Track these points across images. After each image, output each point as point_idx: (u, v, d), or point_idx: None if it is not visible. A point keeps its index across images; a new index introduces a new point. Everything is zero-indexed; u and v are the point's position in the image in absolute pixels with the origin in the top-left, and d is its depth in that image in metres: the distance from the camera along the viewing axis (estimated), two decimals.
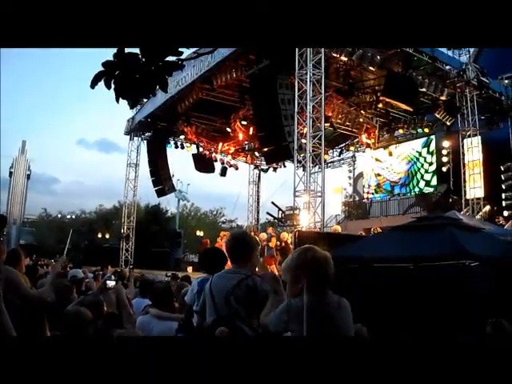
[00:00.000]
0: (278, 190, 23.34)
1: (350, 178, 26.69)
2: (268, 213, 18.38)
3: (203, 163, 24.70)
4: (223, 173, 25.92)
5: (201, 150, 24.79)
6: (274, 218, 17.00)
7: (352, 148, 25.49)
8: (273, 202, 17.16)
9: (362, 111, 20.54)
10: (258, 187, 28.44)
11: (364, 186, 25.22)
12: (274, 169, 27.10)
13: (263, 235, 15.63)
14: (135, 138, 24.31)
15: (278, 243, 14.81)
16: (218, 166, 25.37)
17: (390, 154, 22.94)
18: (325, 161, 17.18)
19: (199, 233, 31.81)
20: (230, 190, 73.24)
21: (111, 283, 4.44)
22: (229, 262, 3.31)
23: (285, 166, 26.17)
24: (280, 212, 15.97)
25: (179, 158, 26.06)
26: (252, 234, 3.94)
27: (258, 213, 28.17)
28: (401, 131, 21.95)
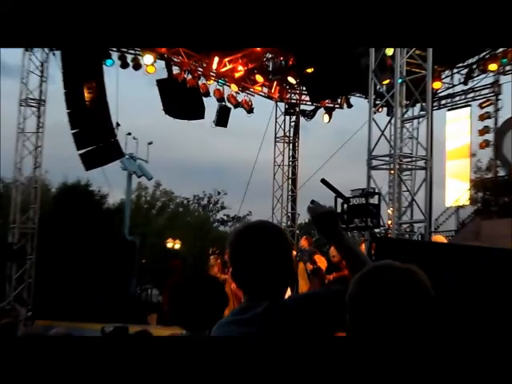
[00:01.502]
0: (335, 156, 18.21)
1: (486, 130, 17.80)
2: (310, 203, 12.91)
3: (181, 99, 15.86)
4: (222, 119, 17.62)
5: (175, 71, 15.93)
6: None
7: (493, 66, 16.29)
8: (324, 180, 10.92)
9: None
10: (293, 149, 20.19)
11: None
12: (328, 111, 18.64)
13: (304, 242, 12.62)
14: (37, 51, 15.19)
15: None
16: (210, 104, 17.04)
17: None
18: (434, 93, 14.67)
19: (173, 243, 21.27)
20: (237, 155, 53.56)
21: None
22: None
23: (349, 106, 18.40)
24: (339, 199, 10.45)
25: (131, 90, 17.41)
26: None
27: (293, 202, 19.63)
28: None
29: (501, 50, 15.78)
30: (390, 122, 13.55)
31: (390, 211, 13.30)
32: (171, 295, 3.22)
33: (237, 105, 18.15)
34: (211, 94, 17.57)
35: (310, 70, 14.11)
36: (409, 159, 13.75)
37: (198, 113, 17.19)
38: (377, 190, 13.15)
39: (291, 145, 20.58)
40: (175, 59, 16.46)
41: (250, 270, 2.05)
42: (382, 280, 1.62)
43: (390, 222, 13.32)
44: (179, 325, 3.08)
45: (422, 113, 14.21)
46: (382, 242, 11.20)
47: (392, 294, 1.59)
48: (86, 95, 15.87)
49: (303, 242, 12.90)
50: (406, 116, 13.81)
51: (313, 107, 19.73)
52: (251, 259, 2.05)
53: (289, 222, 19.89)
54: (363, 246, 11.98)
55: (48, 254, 16.42)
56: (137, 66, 16.30)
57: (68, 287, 16.94)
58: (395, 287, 1.60)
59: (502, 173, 19.36)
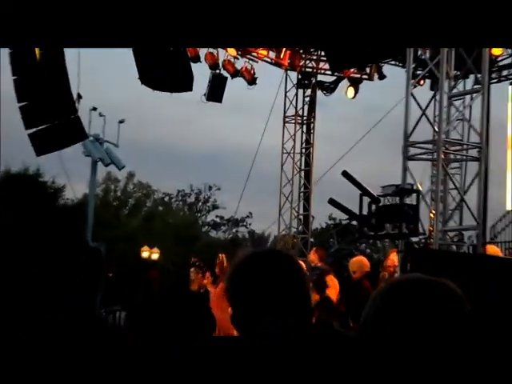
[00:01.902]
0: (362, 142, 19.83)
1: None
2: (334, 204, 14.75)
3: (162, 66, 15.79)
4: (215, 92, 17.92)
5: None
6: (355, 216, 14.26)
7: None
8: (347, 173, 13.87)
9: None
10: (307, 133, 20.51)
11: None
12: (353, 83, 18.89)
13: (313, 256, 12.67)
14: None
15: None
16: (201, 72, 17.02)
17: None
18: (493, 61, 15.70)
19: (149, 253, 22.09)
20: (234, 138, 55.43)
21: None
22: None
23: (381, 78, 18.91)
24: (365, 197, 13.45)
25: (97, 52, 18.07)
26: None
27: (306, 200, 20.11)
28: None
29: None
30: (433, 98, 13.67)
31: (431, 214, 13.46)
32: (135, 316, 3.24)
33: (235, 74, 18.28)
34: (202, 59, 17.71)
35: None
36: (458, 147, 13.94)
37: (184, 83, 17.18)
38: (415, 187, 13.33)
39: (305, 126, 20.71)
40: None
41: (255, 314, 2.16)
42: (407, 294, 1.77)
43: (431, 228, 13.48)
44: None
45: (476, 87, 14.31)
46: (420, 254, 11.25)
47: (417, 309, 1.74)
48: (38, 57, 15.96)
49: (312, 257, 12.87)
50: (454, 91, 13.95)
51: (333, 78, 19.82)
52: (257, 301, 2.16)
53: (300, 227, 20.11)
54: (392, 257, 12.04)
55: None
56: None
57: (6, 309, 16.92)
58: (421, 302, 1.75)
59: None
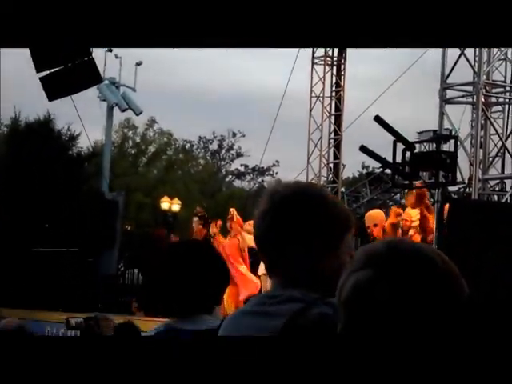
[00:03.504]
0: (396, 84, 19.52)
1: None
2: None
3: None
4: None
5: None
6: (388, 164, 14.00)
7: None
8: (380, 118, 13.49)
9: None
10: (337, 75, 20.23)
11: None
12: None
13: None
14: None
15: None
16: None
17: None
18: None
19: (169, 204, 21.01)
20: (259, 81, 50.72)
21: None
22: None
23: None
24: (399, 144, 13.16)
25: None
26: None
27: (336, 148, 19.96)
28: None
29: None
30: None
31: (471, 162, 13.36)
32: (153, 274, 3.54)
33: None
34: None
35: None
36: (500, 89, 13.78)
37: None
38: (453, 133, 13.12)
39: (335, 68, 20.53)
40: None
41: (276, 244, 2.22)
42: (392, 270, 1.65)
43: (470, 176, 13.43)
44: (165, 313, 3.28)
45: None
46: (458, 205, 11.11)
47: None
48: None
49: None
50: None
51: None
52: (296, 235, 2.21)
53: (330, 176, 20.11)
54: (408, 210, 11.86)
55: None
56: None
57: (23, 263, 17.37)
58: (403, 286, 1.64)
59: None
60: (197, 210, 15.28)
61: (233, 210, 14.83)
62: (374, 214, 14.01)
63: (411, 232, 13.46)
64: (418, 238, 13.10)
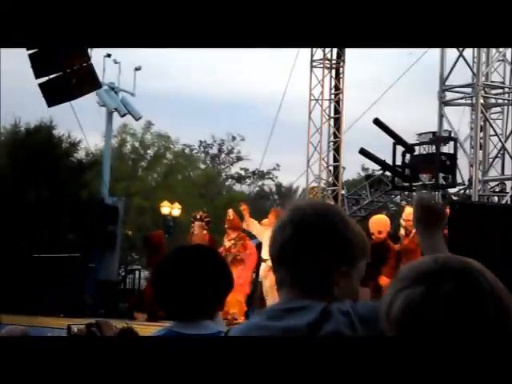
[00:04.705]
0: (396, 86, 19.72)
1: None
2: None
3: None
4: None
5: None
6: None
7: None
8: (379, 121, 14.23)
9: None
10: (337, 77, 20.42)
11: None
12: None
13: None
14: None
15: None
16: None
17: None
18: None
19: (170, 209, 21.97)
20: (258, 85, 52.05)
21: None
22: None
23: None
24: (399, 146, 13.93)
25: None
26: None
27: (336, 150, 19.92)
28: None
29: None
30: None
31: (470, 163, 13.39)
32: (155, 277, 3.39)
33: None
34: None
35: None
36: (499, 91, 13.83)
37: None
38: (453, 134, 13.16)
39: (334, 71, 20.55)
40: None
41: (308, 266, 2.28)
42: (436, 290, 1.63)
43: (470, 178, 13.44)
44: (169, 317, 3.25)
45: None
46: (458, 208, 11.09)
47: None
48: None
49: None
50: None
51: None
52: (312, 253, 2.27)
53: (330, 179, 20.04)
54: (408, 211, 11.95)
55: None
56: None
57: (24, 269, 17.34)
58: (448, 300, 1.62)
59: None
60: (200, 214, 15.09)
61: (232, 212, 14.61)
62: (379, 221, 13.86)
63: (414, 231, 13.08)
64: None
